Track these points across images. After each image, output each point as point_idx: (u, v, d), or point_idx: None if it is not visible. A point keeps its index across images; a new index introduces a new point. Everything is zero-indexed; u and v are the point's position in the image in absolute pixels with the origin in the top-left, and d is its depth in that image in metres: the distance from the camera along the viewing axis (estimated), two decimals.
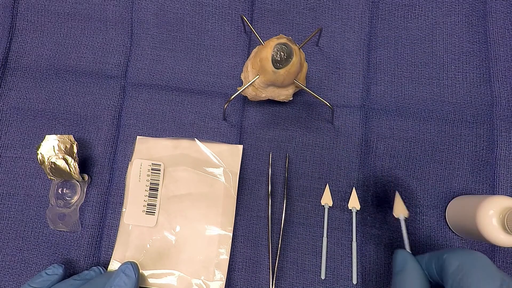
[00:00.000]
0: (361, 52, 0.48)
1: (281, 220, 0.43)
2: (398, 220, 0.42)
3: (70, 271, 0.43)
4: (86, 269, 0.42)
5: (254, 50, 0.42)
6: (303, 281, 0.43)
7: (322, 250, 0.43)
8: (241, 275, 0.43)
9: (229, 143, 0.46)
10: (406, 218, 0.39)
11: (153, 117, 0.47)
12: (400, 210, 0.39)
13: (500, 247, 0.43)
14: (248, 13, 0.49)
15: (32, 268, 0.43)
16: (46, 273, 0.39)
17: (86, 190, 0.45)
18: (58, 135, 0.43)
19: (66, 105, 0.47)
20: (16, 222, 0.44)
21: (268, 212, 0.43)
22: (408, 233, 0.41)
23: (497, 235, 0.35)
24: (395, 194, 0.40)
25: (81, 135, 0.47)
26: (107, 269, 0.42)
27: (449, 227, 0.43)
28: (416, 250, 0.43)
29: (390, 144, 0.46)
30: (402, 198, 0.44)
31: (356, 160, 0.45)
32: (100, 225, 0.44)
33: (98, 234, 0.44)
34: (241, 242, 0.44)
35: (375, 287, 0.42)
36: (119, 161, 0.46)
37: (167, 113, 0.47)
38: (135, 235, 0.43)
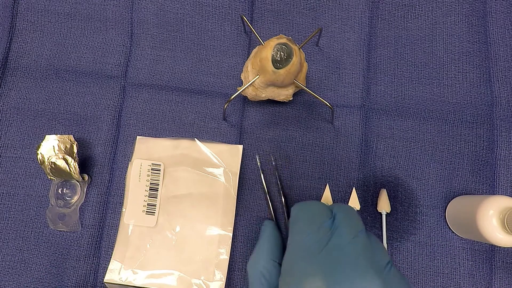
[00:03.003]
0: (361, 52, 0.48)
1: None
2: (380, 214, 0.44)
3: (70, 271, 0.43)
4: (86, 270, 0.42)
5: (254, 50, 0.42)
6: None
7: None
8: (241, 275, 0.43)
9: (229, 143, 0.46)
10: (387, 213, 0.43)
11: (153, 117, 0.47)
12: (384, 206, 0.43)
13: (500, 247, 0.43)
14: (248, 13, 0.49)
15: (32, 268, 0.43)
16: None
17: (86, 190, 0.45)
18: (58, 135, 0.43)
19: (66, 105, 0.47)
20: (16, 222, 0.44)
21: (269, 211, 0.43)
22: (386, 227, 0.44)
23: (497, 235, 0.35)
24: (381, 191, 0.43)
25: (81, 135, 0.47)
26: (106, 270, 0.42)
27: (449, 227, 0.43)
28: (417, 250, 0.43)
29: (390, 144, 0.46)
30: (401, 198, 0.44)
31: (356, 160, 0.45)
32: (100, 225, 0.44)
33: (98, 234, 0.44)
34: (241, 242, 0.44)
35: None
36: (119, 161, 0.46)
37: (167, 113, 0.47)
38: (135, 235, 0.43)
